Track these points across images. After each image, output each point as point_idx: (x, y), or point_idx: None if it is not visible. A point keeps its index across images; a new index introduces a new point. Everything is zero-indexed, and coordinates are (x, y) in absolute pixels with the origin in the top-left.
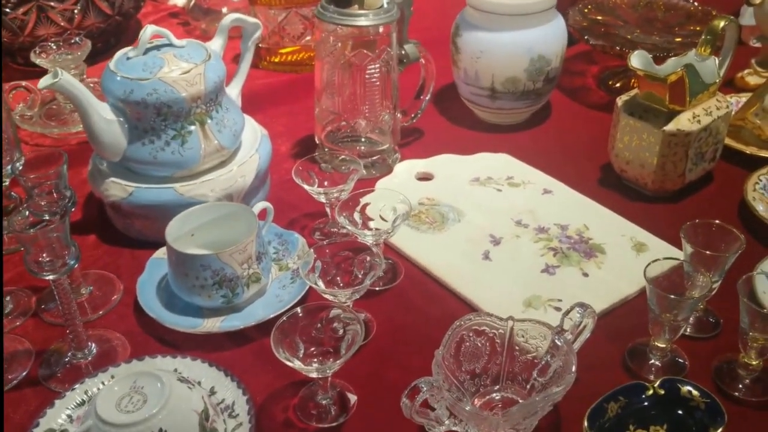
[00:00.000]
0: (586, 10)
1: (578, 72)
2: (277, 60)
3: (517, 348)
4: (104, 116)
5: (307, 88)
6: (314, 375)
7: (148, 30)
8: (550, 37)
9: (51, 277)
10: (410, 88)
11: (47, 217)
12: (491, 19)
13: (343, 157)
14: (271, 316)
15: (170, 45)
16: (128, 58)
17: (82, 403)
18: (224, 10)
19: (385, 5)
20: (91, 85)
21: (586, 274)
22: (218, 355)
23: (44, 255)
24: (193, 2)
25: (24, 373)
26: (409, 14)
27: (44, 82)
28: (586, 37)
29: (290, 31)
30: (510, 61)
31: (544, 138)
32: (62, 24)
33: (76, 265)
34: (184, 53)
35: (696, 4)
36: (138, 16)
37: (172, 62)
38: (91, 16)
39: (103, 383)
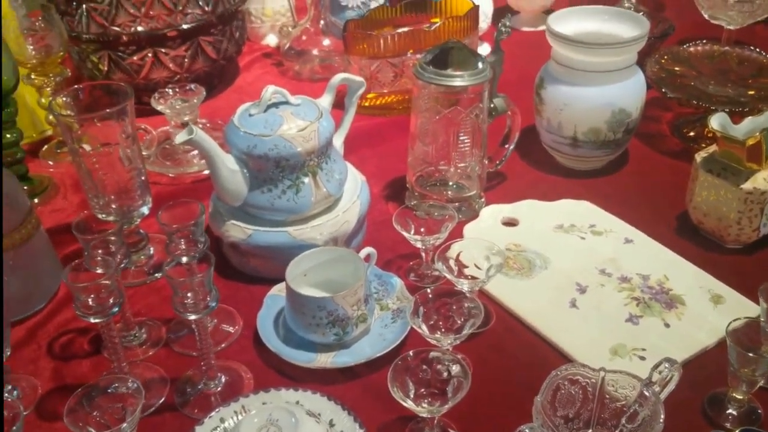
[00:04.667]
0: (663, 61)
1: (653, 118)
2: (366, 104)
3: (607, 396)
4: (229, 167)
5: (395, 131)
6: (424, 415)
7: (270, 90)
8: (630, 91)
9: (193, 317)
10: (495, 134)
11: (185, 260)
12: (575, 74)
13: (433, 203)
14: (379, 354)
15: (287, 103)
16: (250, 115)
17: (218, 429)
18: (315, 51)
19: (480, 66)
20: (200, 126)
21: (667, 325)
22: (330, 389)
23: (189, 297)
24: (288, 45)
25: (162, 400)
26: (499, 72)
27: (180, 138)
28: (663, 90)
29: (381, 78)
30: (592, 114)
31: (622, 184)
32: (173, 68)
33: (216, 307)
34: (299, 111)
35: None
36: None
37: (289, 120)
38: (199, 60)
39: (235, 412)
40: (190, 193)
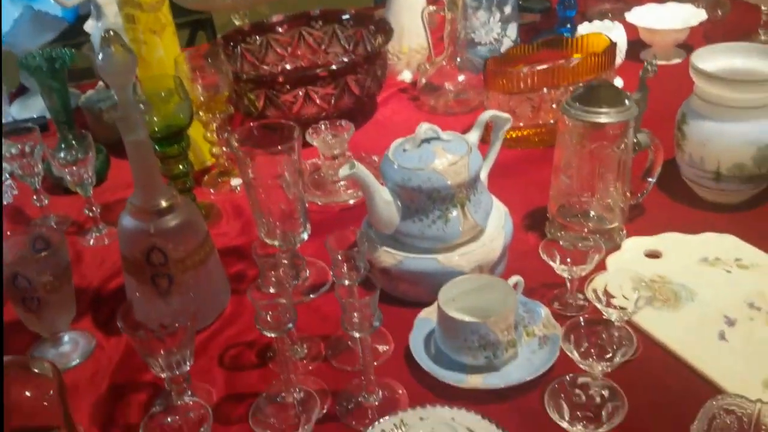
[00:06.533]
0: None
1: None
2: (504, 137)
3: (763, 427)
4: (384, 198)
5: (532, 164)
6: None
7: (423, 127)
8: None
9: (358, 335)
10: (636, 167)
11: (347, 283)
12: (719, 110)
13: (578, 234)
14: (529, 378)
15: (438, 138)
16: (404, 150)
17: None
18: (449, 86)
19: (626, 104)
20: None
21: None
22: (480, 408)
23: (356, 316)
24: (425, 81)
25: (324, 410)
26: (643, 108)
27: (343, 172)
28: None
29: (519, 113)
30: (737, 150)
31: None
32: (321, 105)
33: (379, 326)
34: (450, 147)
35: None
36: None
37: (441, 155)
38: (344, 97)
39: (395, 425)
40: (338, 221)
